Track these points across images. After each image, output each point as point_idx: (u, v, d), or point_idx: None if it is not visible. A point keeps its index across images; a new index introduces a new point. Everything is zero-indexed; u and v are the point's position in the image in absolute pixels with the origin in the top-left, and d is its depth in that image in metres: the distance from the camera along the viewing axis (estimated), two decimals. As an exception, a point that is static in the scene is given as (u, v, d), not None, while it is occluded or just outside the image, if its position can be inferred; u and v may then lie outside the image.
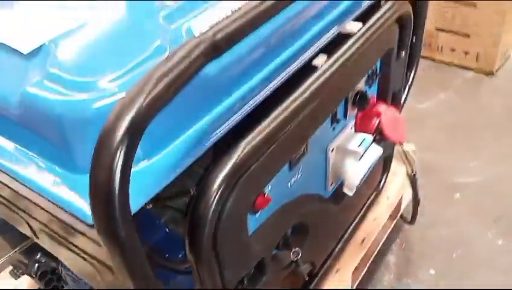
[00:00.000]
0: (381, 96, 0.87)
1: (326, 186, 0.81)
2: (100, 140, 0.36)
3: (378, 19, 0.72)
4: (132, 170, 0.37)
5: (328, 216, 0.84)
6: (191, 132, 0.50)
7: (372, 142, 0.79)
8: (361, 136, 0.79)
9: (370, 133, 0.81)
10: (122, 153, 0.35)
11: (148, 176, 0.46)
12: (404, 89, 0.96)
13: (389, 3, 0.76)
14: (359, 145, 0.77)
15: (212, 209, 0.49)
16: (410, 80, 0.99)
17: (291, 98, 0.57)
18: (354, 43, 0.67)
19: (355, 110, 0.79)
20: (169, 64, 0.38)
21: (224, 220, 0.52)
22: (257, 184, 0.56)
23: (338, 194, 0.84)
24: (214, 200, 0.48)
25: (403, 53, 0.86)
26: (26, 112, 0.48)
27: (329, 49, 0.66)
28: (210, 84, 0.51)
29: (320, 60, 0.65)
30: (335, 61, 0.64)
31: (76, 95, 0.45)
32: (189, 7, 0.55)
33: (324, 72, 0.62)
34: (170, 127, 0.49)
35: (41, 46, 0.49)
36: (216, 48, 0.43)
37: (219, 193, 0.49)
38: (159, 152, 0.48)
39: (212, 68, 0.48)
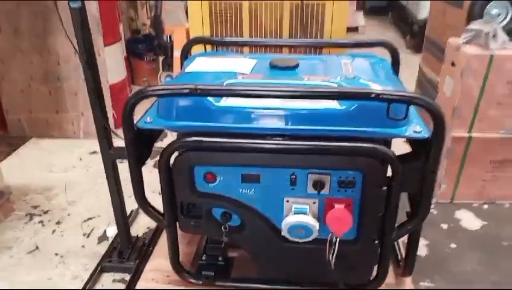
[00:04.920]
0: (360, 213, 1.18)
1: (283, 224, 1.22)
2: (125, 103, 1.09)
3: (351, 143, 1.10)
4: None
5: (273, 244, 1.24)
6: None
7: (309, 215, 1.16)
8: (307, 206, 1.17)
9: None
10: (128, 108, 1.07)
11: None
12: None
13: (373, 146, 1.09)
14: (299, 209, 1.17)
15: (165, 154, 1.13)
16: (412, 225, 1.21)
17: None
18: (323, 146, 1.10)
19: (316, 192, 1.16)
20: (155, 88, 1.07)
21: (177, 166, 1.15)
22: (203, 160, 1.15)
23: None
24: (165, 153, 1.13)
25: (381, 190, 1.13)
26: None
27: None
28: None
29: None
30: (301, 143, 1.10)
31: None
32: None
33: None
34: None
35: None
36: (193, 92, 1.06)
37: (169, 151, 1.13)
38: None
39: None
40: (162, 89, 1.11)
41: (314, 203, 1.19)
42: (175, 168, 1.18)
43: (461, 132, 1.94)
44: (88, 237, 1.88)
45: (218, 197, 1.21)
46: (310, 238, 1.18)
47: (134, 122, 1.17)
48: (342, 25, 2.23)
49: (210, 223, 1.25)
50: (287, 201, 1.19)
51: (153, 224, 1.92)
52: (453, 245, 1.81)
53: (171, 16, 3.75)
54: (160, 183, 1.20)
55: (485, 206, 2.05)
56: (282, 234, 1.20)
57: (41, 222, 1.98)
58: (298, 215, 1.17)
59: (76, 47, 1.36)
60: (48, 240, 1.86)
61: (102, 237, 1.87)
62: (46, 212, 2.04)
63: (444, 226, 1.92)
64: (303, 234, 1.18)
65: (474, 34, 1.87)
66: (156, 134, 1.36)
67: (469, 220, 1.95)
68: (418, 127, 1.12)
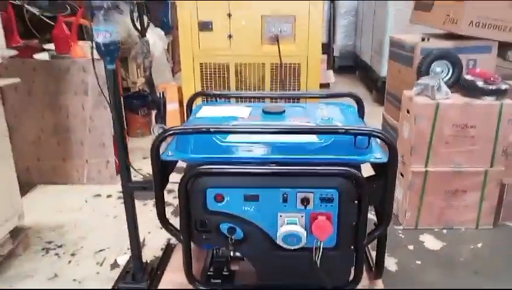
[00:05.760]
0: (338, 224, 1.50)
1: (278, 234, 1.52)
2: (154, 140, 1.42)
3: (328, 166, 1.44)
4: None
5: (270, 252, 1.54)
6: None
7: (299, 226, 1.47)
8: (297, 219, 1.48)
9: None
10: (156, 143, 1.40)
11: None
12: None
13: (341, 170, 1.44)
14: (290, 221, 1.48)
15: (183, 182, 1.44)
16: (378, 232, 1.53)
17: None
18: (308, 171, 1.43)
19: (303, 207, 1.48)
20: (180, 127, 1.39)
21: (192, 189, 1.46)
22: (213, 184, 1.46)
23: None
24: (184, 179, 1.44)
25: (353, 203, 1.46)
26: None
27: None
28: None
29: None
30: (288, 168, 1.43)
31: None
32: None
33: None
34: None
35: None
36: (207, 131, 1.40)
37: (187, 178, 1.44)
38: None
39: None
40: (184, 129, 1.44)
41: (302, 216, 1.50)
42: (191, 191, 1.48)
43: (419, 167, 2.32)
44: (101, 265, 2.12)
45: (225, 214, 1.51)
46: (300, 245, 1.49)
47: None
48: (315, 81, 2.66)
49: (218, 237, 1.54)
50: (280, 216, 1.51)
51: (158, 253, 2.18)
52: (418, 262, 2.13)
53: (158, 74, 4.17)
54: (179, 203, 1.50)
55: (444, 231, 2.40)
56: (277, 242, 1.50)
57: (56, 254, 2.21)
58: (290, 225, 1.48)
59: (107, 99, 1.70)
60: (65, 269, 2.09)
61: (114, 265, 2.12)
62: (60, 246, 2.28)
63: (410, 247, 2.25)
64: (294, 241, 1.48)
65: (423, 87, 2.30)
66: (171, 167, 1.68)
67: (431, 242, 2.29)
68: (378, 154, 1.48)
